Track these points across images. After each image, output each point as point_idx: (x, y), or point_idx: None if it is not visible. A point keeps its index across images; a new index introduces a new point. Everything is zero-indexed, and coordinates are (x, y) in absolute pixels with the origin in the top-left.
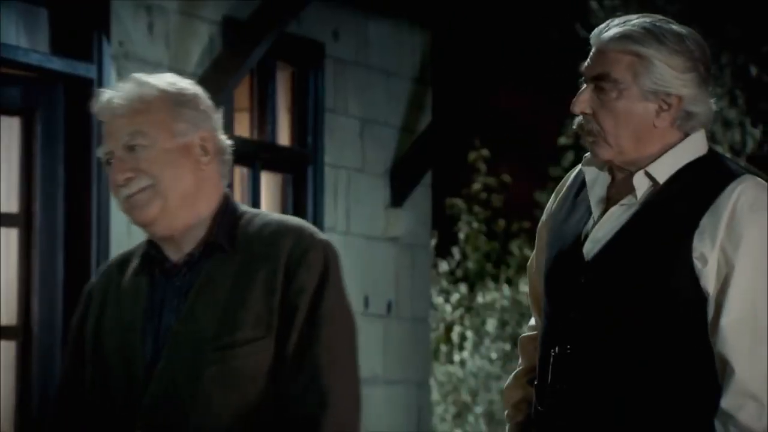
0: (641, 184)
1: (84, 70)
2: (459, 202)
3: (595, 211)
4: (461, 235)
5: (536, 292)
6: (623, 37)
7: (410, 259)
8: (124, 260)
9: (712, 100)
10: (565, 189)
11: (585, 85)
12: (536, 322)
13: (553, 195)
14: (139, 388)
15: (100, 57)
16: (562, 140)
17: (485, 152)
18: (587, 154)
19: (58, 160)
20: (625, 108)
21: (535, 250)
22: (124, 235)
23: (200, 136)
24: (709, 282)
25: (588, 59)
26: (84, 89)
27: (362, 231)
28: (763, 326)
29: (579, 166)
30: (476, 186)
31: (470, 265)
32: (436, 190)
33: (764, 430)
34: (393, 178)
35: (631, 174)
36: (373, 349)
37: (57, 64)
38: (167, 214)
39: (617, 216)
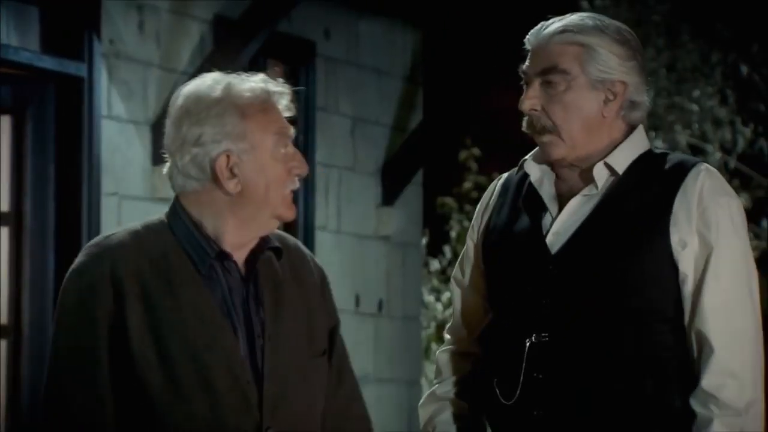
0: (601, 175)
1: (75, 68)
2: (450, 201)
3: (552, 206)
4: (452, 234)
5: (465, 303)
6: (565, 30)
7: (401, 258)
8: (143, 250)
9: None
10: (494, 198)
11: (530, 84)
12: (458, 333)
13: (478, 210)
14: (251, 388)
15: (91, 56)
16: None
17: (476, 151)
18: (527, 157)
19: (48, 159)
20: (574, 99)
21: (463, 262)
22: None
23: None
24: (689, 264)
25: (528, 59)
26: (74, 88)
27: (353, 230)
28: (743, 307)
29: (503, 176)
30: (467, 185)
31: None
32: (427, 189)
33: (744, 408)
34: (384, 176)
35: (582, 169)
36: (364, 348)
37: (48, 62)
38: None
39: (578, 208)
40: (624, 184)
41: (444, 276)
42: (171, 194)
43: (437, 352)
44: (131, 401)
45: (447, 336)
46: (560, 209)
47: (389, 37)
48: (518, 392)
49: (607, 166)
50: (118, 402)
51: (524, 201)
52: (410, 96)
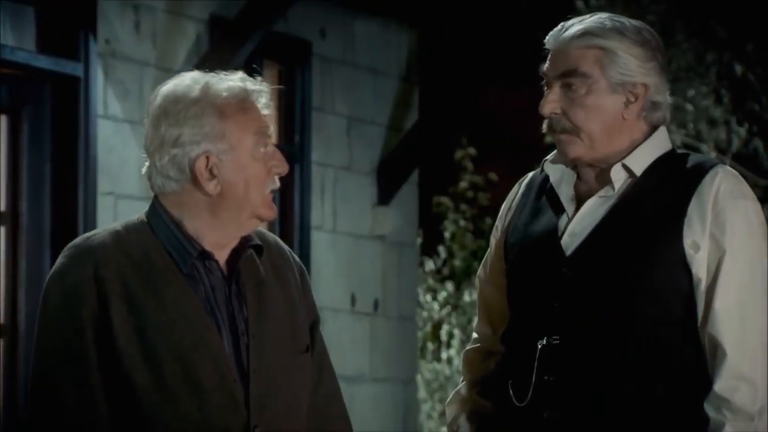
0: (618, 177)
1: (71, 68)
2: (446, 201)
3: (569, 207)
4: (448, 234)
5: (488, 301)
6: (585, 33)
7: (397, 258)
8: (124, 250)
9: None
10: (518, 198)
11: (550, 87)
12: (483, 332)
13: (503, 210)
14: (237, 387)
15: (87, 55)
16: (549, 139)
17: (472, 151)
18: (548, 157)
19: (44, 159)
20: (595, 102)
21: (487, 261)
22: None
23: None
24: (701, 268)
25: (548, 61)
26: (71, 88)
27: (349, 229)
28: (757, 310)
29: (528, 176)
30: (463, 184)
31: (457, 263)
32: (422, 189)
33: (758, 412)
34: (380, 176)
35: (601, 169)
36: (360, 348)
37: (44, 62)
38: None
39: (594, 209)
40: (641, 186)
41: (439, 276)
42: None
43: (464, 350)
44: (120, 401)
45: (474, 335)
46: (577, 210)
47: (385, 37)
48: (530, 394)
49: (625, 167)
50: (108, 404)
51: (544, 201)
52: (406, 96)
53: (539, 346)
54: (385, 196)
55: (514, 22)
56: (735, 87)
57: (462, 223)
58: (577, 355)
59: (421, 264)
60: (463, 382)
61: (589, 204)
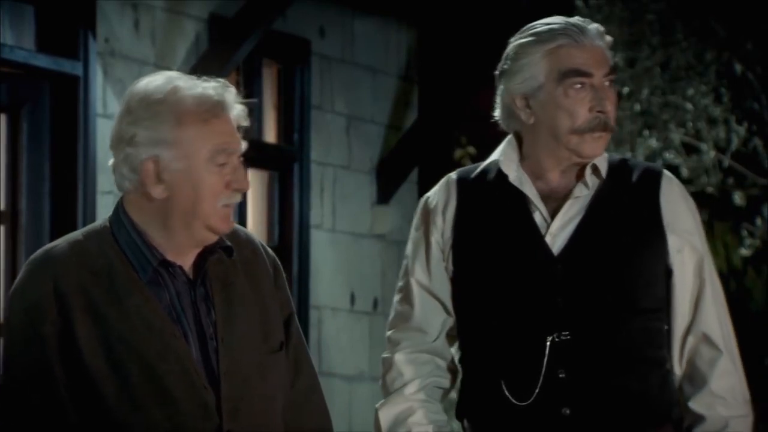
0: (591, 177)
1: (70, 67)
2: None
3: (541, 206)
4: None
5: (427, 305)
6: (602, 32)
7: (396, 256)
8: (84, 262)
9: None
10: (454, 199)
11: (598, 84)
12: (414, 336)
13: (433, 213)
14: (208, 393)
15: (86, 54)
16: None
17: (471, 150)
18: (495, 156)
19: (44, 157)
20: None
21: (429, 264)
22: None
23: None
24: (685, 269)
25: (586, 58)
26: (70, 86)
27: (348, 228)
28: (726, 309)
29: (452, 176)
30: None
31: None
32: (422, 188)
33: (749, 408)
34: (379, 175)
35: (566, 170)
36: (360, 346)
37: (43, 61)
38: None
39: (569, 208)
40: (609, 186)
41: None
42: None
43: (391, 354)
44: (89, 414)
45: (398, 337)
46: (553, 209)
47: (384, 36)
48: (537, 392)
49: (594, 168)
50: (78, 415)
51: (505, 201)
52: (405, 94)
53: (548, 343)
54: (384, 195)
55: (514, 21)
56: (734, 86)
57: None
58: (587, 349)
59: None
60: (400, 385)
61: (569, 203)
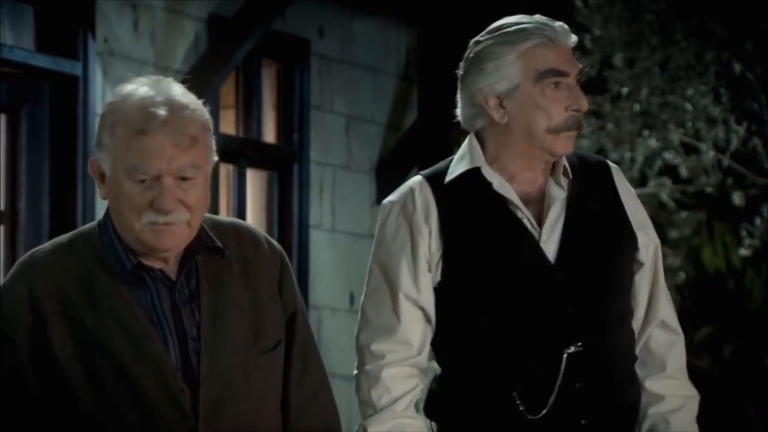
0: (562, 177)
1: (69, 67)
2: None
3: (526, 211)
4: None
5: (412, 318)
6: (569, 30)
7: None
8: (65, 265)
9: None
10: (434, 209)
11: (570, 84)
12: (398, 350)
13: (414, 225)
14: (185, 395)
15: (86, 54)
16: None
17: None
18: (478, 165)
19: (43, 158)
20: None
21: (416, 276)
22: None
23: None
24: (647, 260)
25: (562, 59)
26: (69, 86)
27: (348, 228)
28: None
29: (423, 183)
30: None
31: None
32: None
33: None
34: (378, 175)
35: (536, 171)
36: None
37: (42, 61)
38: (186, 241)
39: (551, 211)
40: (577, 186)
41: None
42: None
43: (375, 368)
44: (65, 419)
45: (382, 349)
46: (538, 213)
47: (383, 36)
48: (551, 404)
49: (564, 168)
50: (52, 420)
51: (490, 208)
52: (405, 94)
53: (565, 355)
54: (384, 195)
55: None
56: (734, 86)
57: None
58: (603, 357)
59: None
60: (388, 401)
61: (553, 207)
